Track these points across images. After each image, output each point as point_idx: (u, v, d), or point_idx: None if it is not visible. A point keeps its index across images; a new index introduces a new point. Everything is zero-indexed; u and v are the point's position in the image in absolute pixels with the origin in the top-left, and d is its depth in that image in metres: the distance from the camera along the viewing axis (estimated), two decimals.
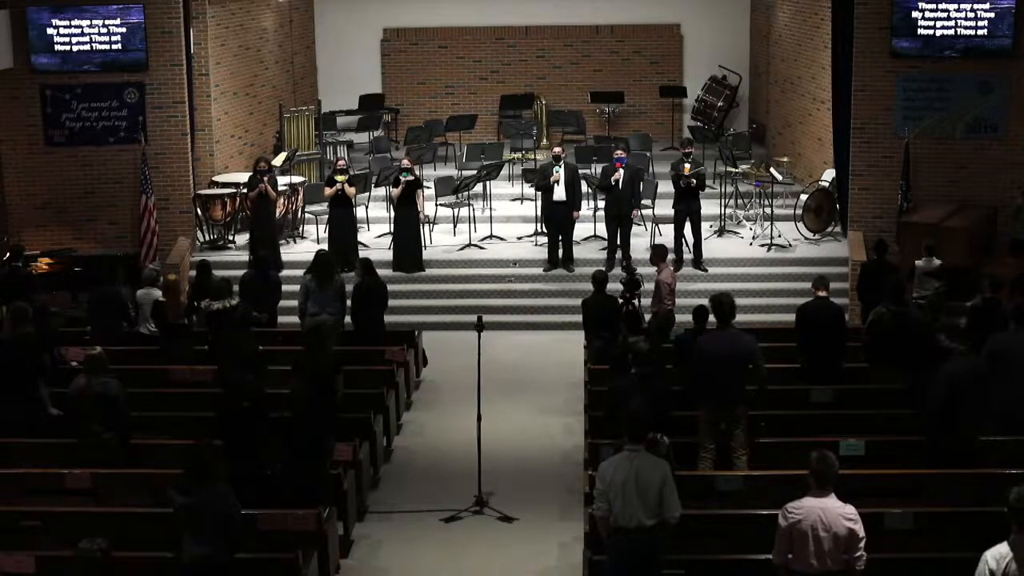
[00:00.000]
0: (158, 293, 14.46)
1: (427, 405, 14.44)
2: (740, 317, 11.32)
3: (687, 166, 17.28)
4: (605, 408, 11.08)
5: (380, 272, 16.89)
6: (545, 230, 18.15)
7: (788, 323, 15.58)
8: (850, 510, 7.91)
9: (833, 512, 7.87)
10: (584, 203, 18.40)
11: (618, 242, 17.42)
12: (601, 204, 18.33)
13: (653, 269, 14.79)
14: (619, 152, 17.61)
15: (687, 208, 17.30)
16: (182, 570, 8.72)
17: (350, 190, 17.56)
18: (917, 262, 15.19)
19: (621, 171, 17.21)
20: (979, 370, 10.35)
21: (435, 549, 10.89)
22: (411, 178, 17.69)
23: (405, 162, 18.08)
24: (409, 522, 11.41)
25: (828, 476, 7.92)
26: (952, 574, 8.75)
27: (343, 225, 17.63)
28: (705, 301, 17.21)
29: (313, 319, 14.13)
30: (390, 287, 16.84)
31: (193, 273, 15.86)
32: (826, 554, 7.85)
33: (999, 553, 7.18)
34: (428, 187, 18.89)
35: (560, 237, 17.70)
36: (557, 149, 18.07)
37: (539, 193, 18.05)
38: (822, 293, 12.62)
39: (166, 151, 17.89)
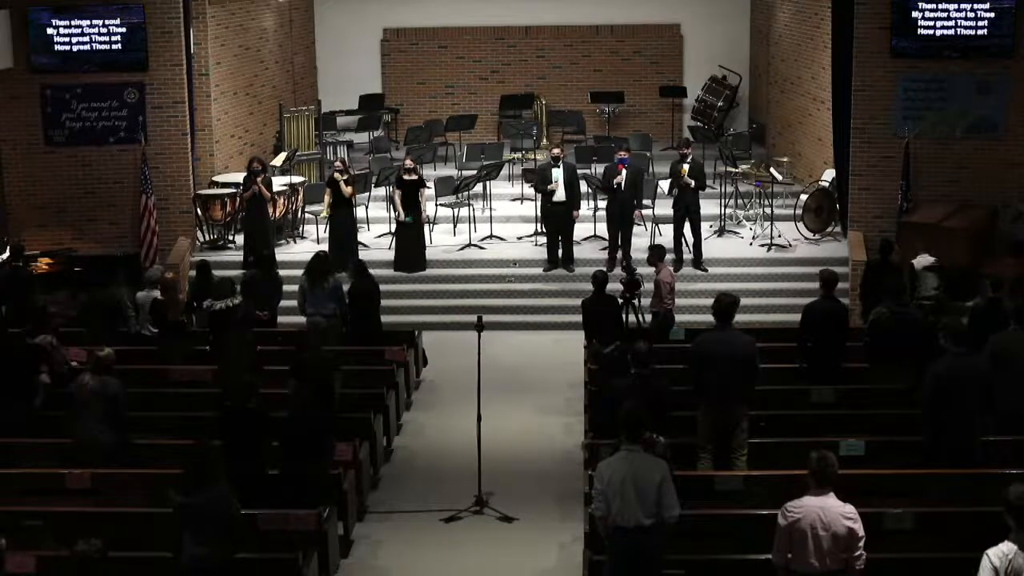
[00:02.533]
0: (158, 293, 14.45)
1: (427, 405, 14.43)
2: (740, 317, 11.31)
3: (685, 167, 17.27)
4: (603, 408, 11.06)
5: (379, 272, 16.93)
6: (544, 230, 18.15)
7: (788, 323, 15.62)
8: (849, 509, 7.92)
9: (832, 511, 7.87)
10: (584, 203, 18.41)
11: (619, 242, 17.42)
12: (602, 204, 18.33)
13: (652, 269, 14.79)
14: (622, 153, 17.60)
15: (686, 208, 17.30)
16: (182, 570, 8.72)
17: (347, 189, 17.49)
18: (913, 261, 15.22)
19: (624, 172, 17.20)
20: (976, 370, 10.31)
21: (435, 549, 10.89)
22: (414, 178, 17.68)
23: (408, 162, 18.07)
24: (409, 522, 11.41)
25: (827, 476, 7.92)
26: (952, 574, 8.75)
27: (343, 226, 17.60)
28: (708, 301, 17.24)
29: (310, 320, 14.18)
30: (390, 287, 16.91)
31: (193, 273, 15.86)
32: (826, 553, 7.85)
33: (1001, 552, 7.19)
34: (429, 187, 18.90)
35: (560, 237, 17.71)
36: (556, 151, 18.06)
37: (538, 194, 18.04)
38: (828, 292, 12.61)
39: (166, 151, 17.88)
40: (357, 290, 14.50)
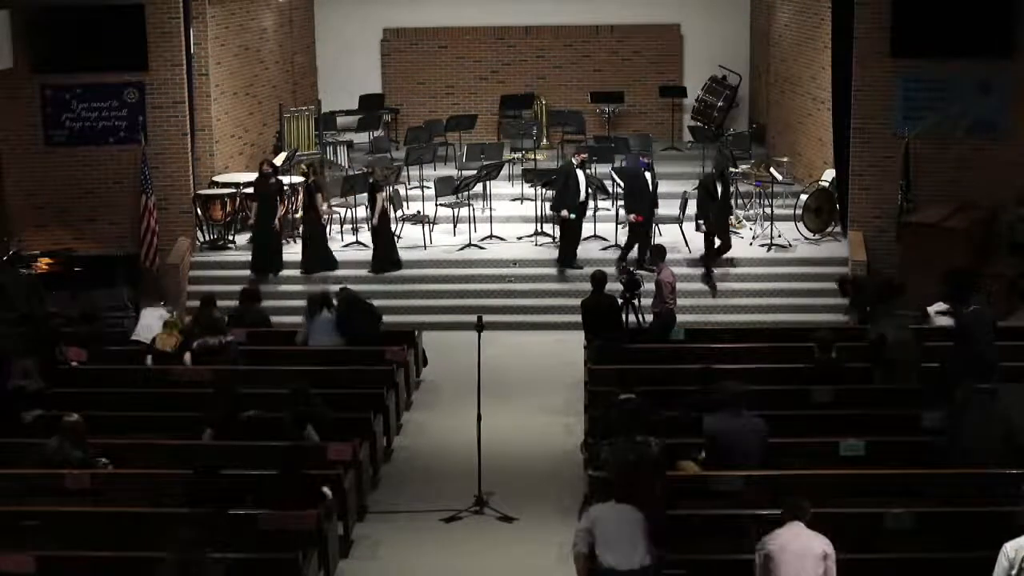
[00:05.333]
0: (162, 312, 14.28)
1: (427, 405, 14.43)
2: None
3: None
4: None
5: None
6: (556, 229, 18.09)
7: (788, 323, 15.66)
8: (822, 537, 8.12)
9: (805, 536, 8.08)
10: None
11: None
12: (603, 204, 18.35)
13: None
14: (643, 158, 17.95)
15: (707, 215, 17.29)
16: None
17: (322, 207, 17.58)
18: (929, 308, 15.01)
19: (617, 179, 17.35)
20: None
21: (435, 549, 10.89)
22: (371, 181, 17.74)
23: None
24: (409, 522, 11.41)
25: (798, 515, 8.14)
26: (952, 574, 8.75)
27: (311, 229, 17.67)
28: (708, 301, 17.28)
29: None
30: (389, 287, 16.98)
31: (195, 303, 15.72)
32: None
33: (1018, 544, 7.26)
34: (389, 190, 18.78)
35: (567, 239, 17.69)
36: (583, 156, 17.95)
37: (554, 190, 17.97)
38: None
39: (166, 151, 17.86)
40: (346, 313, 14.38)
